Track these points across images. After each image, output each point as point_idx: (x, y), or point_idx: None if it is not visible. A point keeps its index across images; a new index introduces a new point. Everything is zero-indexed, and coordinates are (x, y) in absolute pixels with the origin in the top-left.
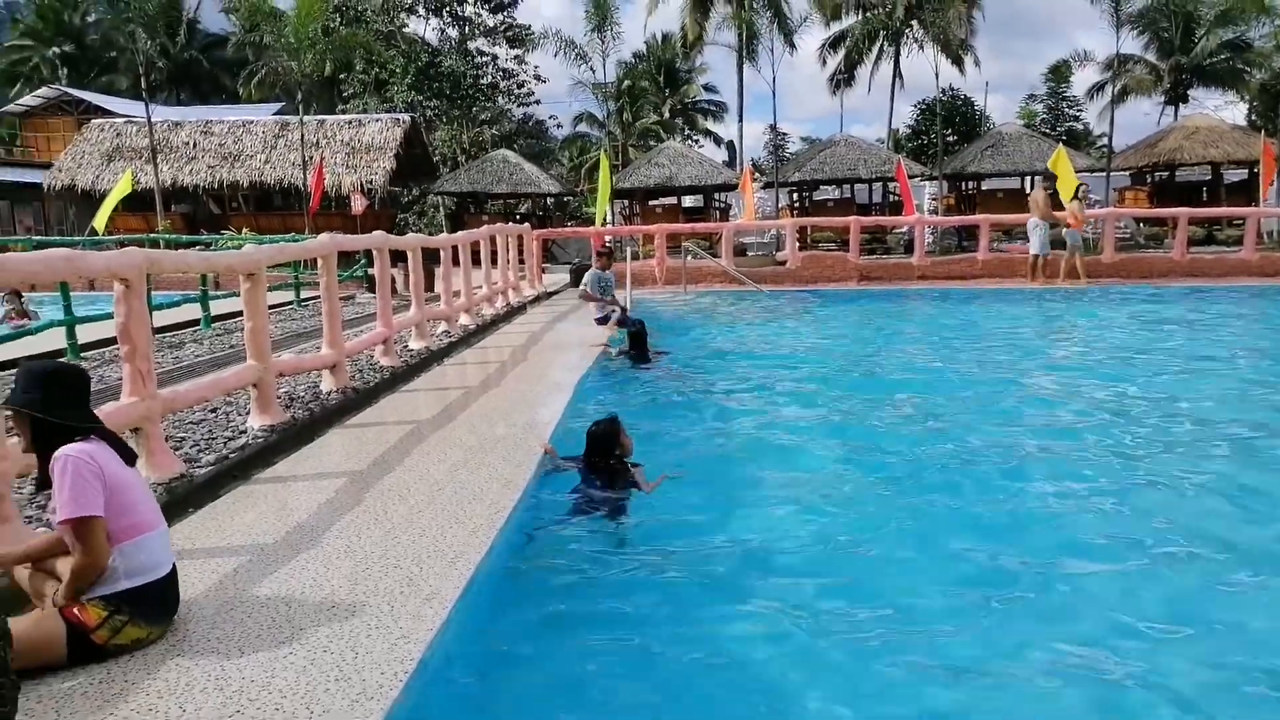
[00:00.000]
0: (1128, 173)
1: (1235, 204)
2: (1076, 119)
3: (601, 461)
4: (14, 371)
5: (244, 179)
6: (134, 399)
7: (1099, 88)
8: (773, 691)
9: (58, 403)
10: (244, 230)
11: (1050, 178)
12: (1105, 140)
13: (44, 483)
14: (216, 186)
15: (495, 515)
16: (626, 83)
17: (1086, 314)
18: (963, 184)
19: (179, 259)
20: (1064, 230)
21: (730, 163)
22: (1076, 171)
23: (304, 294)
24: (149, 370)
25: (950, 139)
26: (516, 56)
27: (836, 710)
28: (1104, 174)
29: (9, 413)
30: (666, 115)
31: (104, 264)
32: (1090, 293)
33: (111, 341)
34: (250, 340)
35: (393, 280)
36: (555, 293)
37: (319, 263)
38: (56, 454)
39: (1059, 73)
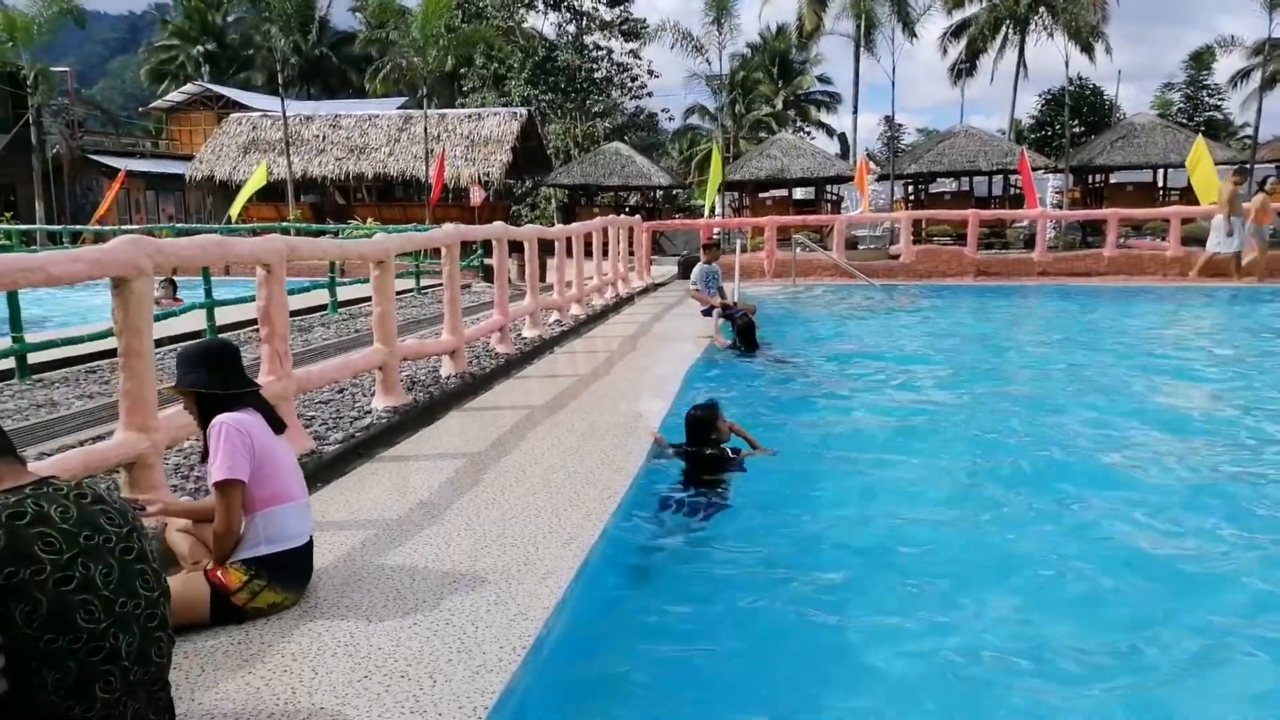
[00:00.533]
0: (1275, 165)
1: None
2: (1218, 109)
3: (701, 446)
4: (169, 348)
5: (369, 171)
6: (271, 378)
7: (1244, 75)
8: (881, 682)
9: (215, 376)
10: (368, 220)
11: (1242, 171)
12: (1249, 131)
13: (207, 453)
14: (343, 178)
15: (608, 499)
16: (740, 74)
17: (1245, 316)
18: (1089, 177)
19: (316, 246)
20: (1248, 226)
21: (843, 154)
22: (1216, 164)
23: (423, 282)
24: (286, 351)
25: (1077, 130)
26: (632, 51)
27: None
28: (1246, 166)
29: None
30: (779, 107)
31: (250, 249)
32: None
33: (244, 324)
34: (378, 325)
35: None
36: (663, 284)
37: (442, 252)
38: (213, 421)
39: (1200, 60)
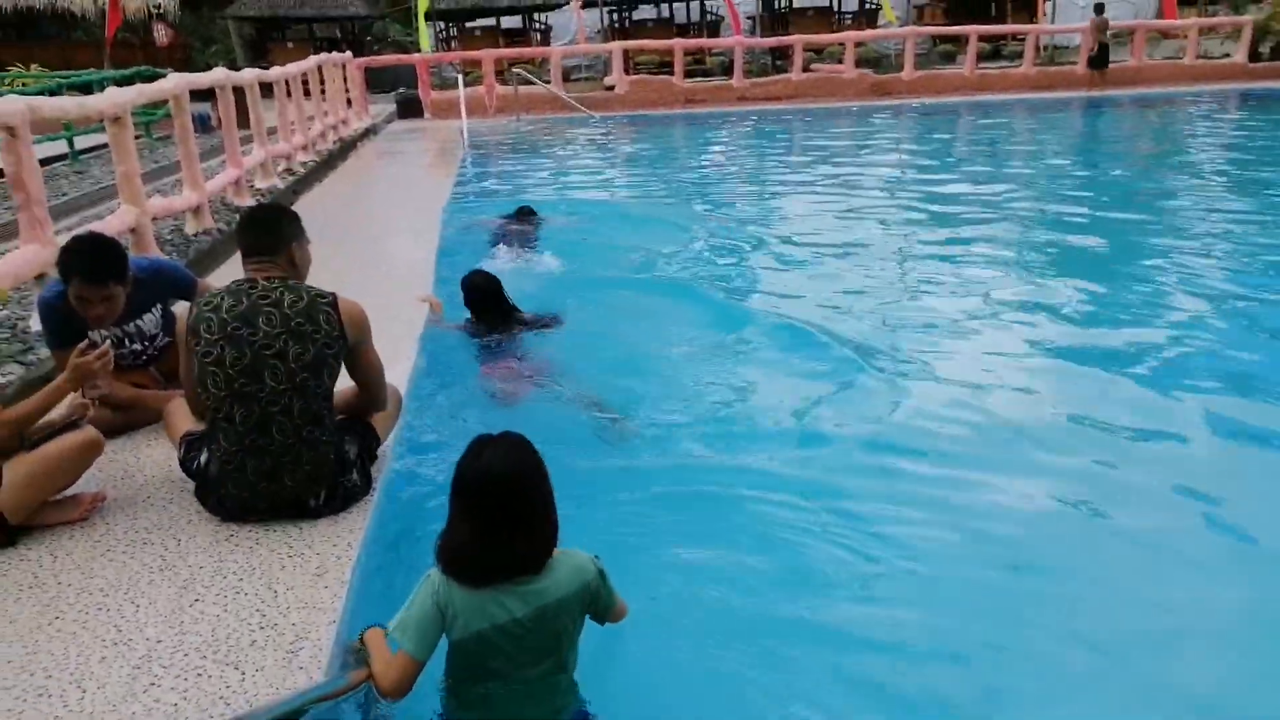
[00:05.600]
0: None
1: (1018, 21)
2: None
3: (493, 314)
4: None
5: (5, 3)
6: (35, 245)
7: None
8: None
9: None
10: (32, 67)
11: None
12: None
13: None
14: None
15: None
16: None
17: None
18: (775, 2)
19: (57, 106)
20: None
21: None
22: None
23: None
24: (44, 217)
25: None
26: None
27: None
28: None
29: None
30: None
31: None
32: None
33: None
34: (124, 185)
35: (208, 118)
36: (375, 128)
37: (170, 102)
38: None
39: None
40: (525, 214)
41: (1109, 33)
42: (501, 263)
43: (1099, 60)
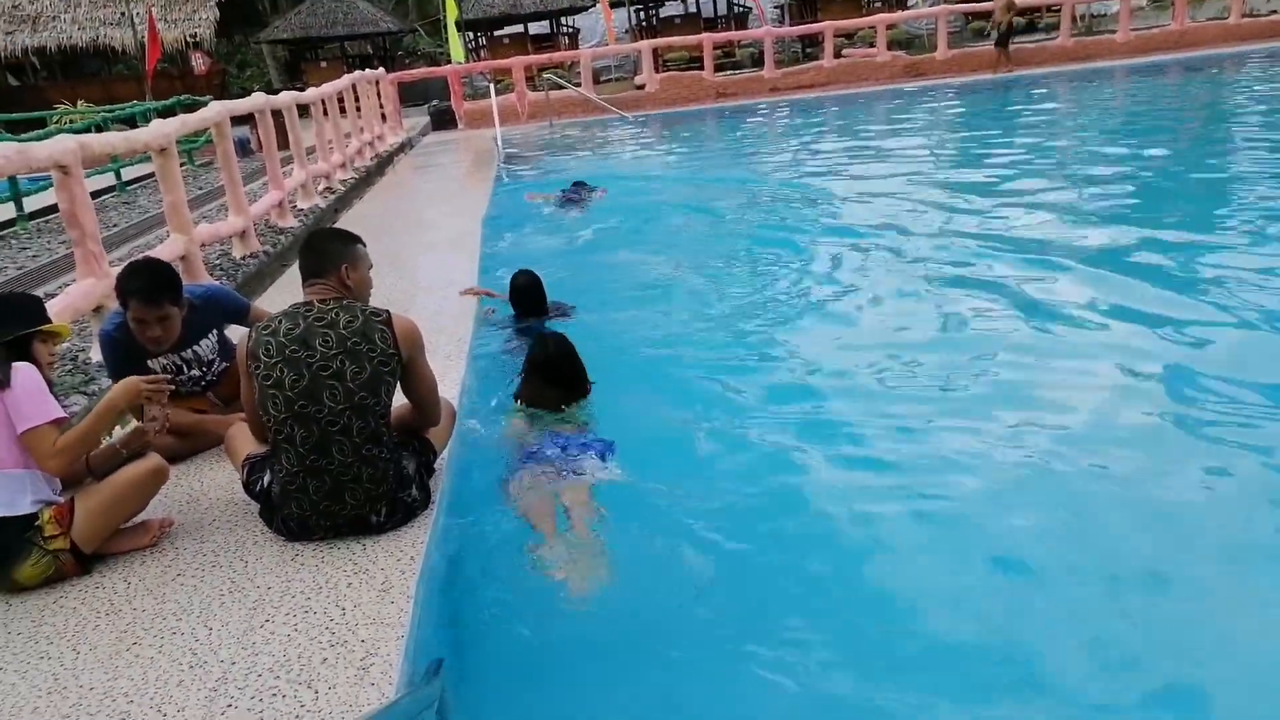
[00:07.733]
0: None
1: None
2: None
3: (535, 309)
4: None
5: (49, 43)
6: (91, 279)
7: None
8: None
9: None
10: (79, 103)
11: None
12: None
13: None
14: (15, 54)
15: (451, 387)
16: None
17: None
18: None
19: (106, 142)
20: None
21: None
22: None
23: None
24: (99, 251)
25: None
26: None
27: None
28: None
29: None
30: None
31: (48, 153)
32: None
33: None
34: (171, 214)
35: (248, 142)
36: (410, 141)
37: (212, 130)
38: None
39: None
40: (580, 188)
41: (1012, 14)
42: (554, 232)
43: (1002, 41)
